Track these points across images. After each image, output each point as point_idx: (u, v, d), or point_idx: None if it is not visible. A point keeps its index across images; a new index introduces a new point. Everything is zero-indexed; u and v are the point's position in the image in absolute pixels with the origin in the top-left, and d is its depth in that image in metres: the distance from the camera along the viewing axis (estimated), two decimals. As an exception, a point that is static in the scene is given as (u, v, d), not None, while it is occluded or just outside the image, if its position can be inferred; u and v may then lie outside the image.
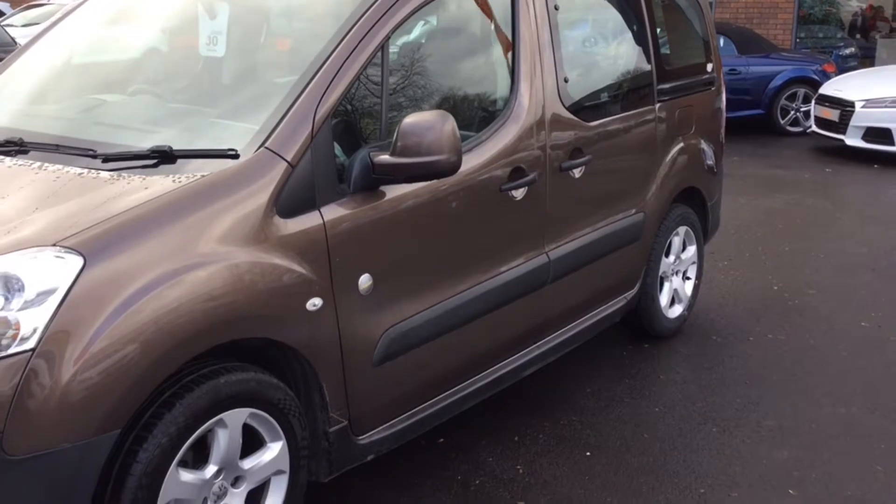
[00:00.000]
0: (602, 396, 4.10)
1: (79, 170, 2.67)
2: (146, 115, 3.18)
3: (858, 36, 16.84)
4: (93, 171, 2.66)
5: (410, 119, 2.82)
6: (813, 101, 11.15)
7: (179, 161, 2.70)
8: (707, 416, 3.92)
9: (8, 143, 2.94)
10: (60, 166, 2.71)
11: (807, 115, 11.81)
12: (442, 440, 3.62)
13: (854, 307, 5.33)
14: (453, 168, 2.87)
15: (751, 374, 4.38)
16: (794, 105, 12.06)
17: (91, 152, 2.78)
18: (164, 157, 2.71)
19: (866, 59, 15.50)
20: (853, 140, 10.19)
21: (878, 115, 9.99)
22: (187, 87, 3.37)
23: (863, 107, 10.08)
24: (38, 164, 2.75)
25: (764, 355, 4.61)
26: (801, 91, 12.01)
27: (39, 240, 2.29)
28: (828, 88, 10.91)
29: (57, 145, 2.87)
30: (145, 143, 2.79)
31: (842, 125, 10.31)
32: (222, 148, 2.70)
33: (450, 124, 2.82)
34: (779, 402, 4.06)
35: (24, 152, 2.90)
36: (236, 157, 2.68)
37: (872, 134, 10.03)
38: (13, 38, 11.11)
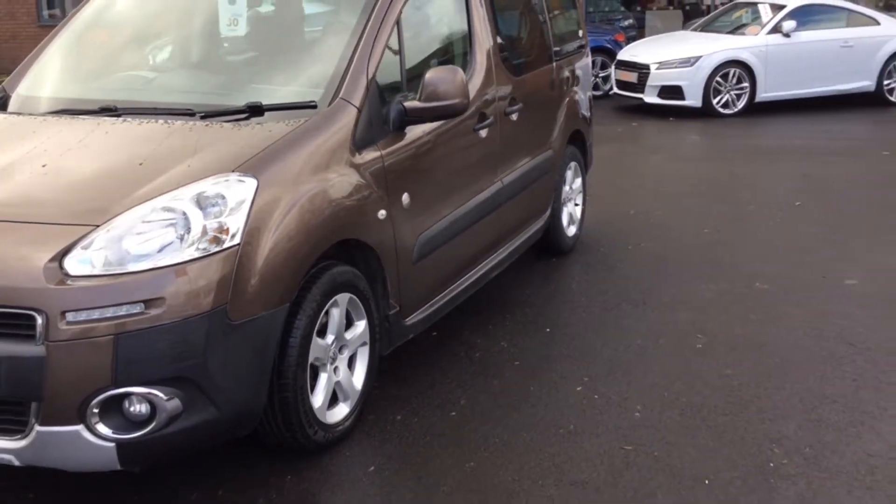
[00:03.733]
0: (539, 295, 5.20)
1: (204, 122, 3.41)
2: (208, 85, 3.91)
3: (639, 8, 19.01)
4: (216, 123, 3.41)
5: (431, 73, 3.75)
6: (613, 67, 12.80)
7: (267, 114, 3.49)
8: (621, 299, 5.11)
9: (104, 109, 3.61)
10: (184, 121, 3.43)
11: (605, 79, 13.49)
12: (435, 333, 4.57)
13: (693, 221, 6.75)
14: (465, 108, 3.84)
15: (639, 270, 5.63)
16: (593, 72, 13.68)
17: (189, 111, 3.51)
18: (254, 111, 3.49)
19: (641, 28, 17.62)
20: (651, 97, 11.88)
21: (669, 74, 11.73)
22: (230, 58, 4.12)
23: (657, 69, 11.79)
24: (163, 121, 3.45)
25: (643, 257, 5.89)
26: (599, 59, 13.65)
27: (220, 168, 3.05)
28: (625, 55, 12.58)
29: (154, 108, 3.57)
30: (228, 103, 3.56)
31: (640, 85, 11.98)
32: (303, 101, 3.53)
33: (460, 75, 3.78)
34: (667, 286, 5.32)
35: (117, 116, 3.58)
36: (315, 107, 3.51)
37: (666, 91, 11.76)
38: None
